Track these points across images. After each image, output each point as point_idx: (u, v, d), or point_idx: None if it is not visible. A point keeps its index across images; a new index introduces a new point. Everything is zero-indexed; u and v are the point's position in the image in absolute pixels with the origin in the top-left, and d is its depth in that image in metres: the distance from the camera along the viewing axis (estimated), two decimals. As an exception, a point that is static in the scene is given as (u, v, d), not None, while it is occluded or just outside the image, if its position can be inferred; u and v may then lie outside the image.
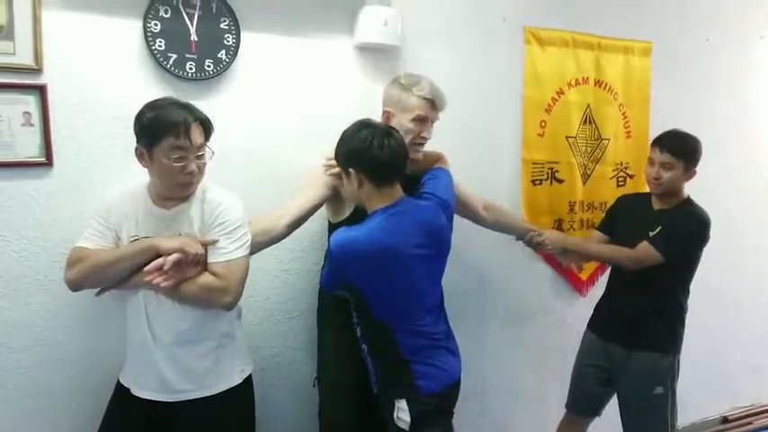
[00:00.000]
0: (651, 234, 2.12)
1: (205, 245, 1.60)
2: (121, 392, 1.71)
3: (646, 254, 2.12)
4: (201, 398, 1.65)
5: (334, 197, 1.88)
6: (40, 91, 1.74)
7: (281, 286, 2.15)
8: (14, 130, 1.73)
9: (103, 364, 1.83)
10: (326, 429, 2.00)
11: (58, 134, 1.77)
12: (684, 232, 2.14)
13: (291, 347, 2.19)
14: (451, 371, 1.80)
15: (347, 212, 1.89)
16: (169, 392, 1.64)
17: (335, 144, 1.73)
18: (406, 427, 1.71)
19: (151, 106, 1.56)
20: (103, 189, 1.75)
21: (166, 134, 1.52)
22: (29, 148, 1.75)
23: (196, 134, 1.58)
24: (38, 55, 1.73)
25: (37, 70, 1.73)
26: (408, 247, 1.68)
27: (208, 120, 1.64)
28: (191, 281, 1.57)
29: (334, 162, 1.80)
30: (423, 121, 1.88)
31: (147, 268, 1.52)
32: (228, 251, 1.61)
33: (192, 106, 1.61)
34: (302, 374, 2.19)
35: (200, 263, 1.59)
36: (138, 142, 1.57)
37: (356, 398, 1.92)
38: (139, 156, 1.58)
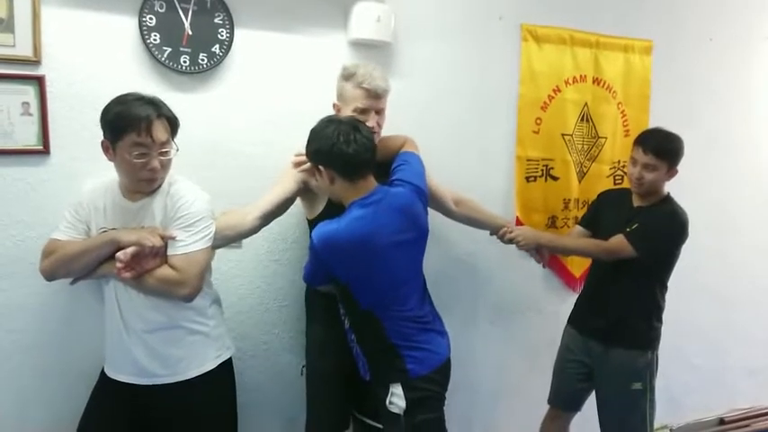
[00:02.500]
0: (628, 229, 2.13)
1: (164, 238, 1.62)
2: (103, 377, 1.78)
3: (619, 246, 2.13)
4: (176, 382, 1.70)
5: (306, 192, 1.91)
6: (39, 82, 1.81)
7: (272, 276, 2.20)
8: (13, 120, 1.80)
9: (97, 346, 1.86)
10: (312, 417, 2.04)
11: (55, 124, 1.84)
12: (661, 230, 2.15)
13: (280, 336, 2.24)
14: (440, 352, 1.83)
15: (321, 208, 1.91)
16: (144, 376, 1.70)
17: (306, 141, 1.75)
18: (399, 411, 1.74)
19: (117, 101, 1.59)
20: (98, 177, 1.78)
21: (128, 130, 1.55)
22: (27, 136, 1.82)
23: (159, 131, 1.60)
24: (37, 47, 1.80)
25: (36, 62, 1.80)
26: (387, 235, 1.72)
27: (173, 116, 1.66)
28: (150, 273, 1.62)
29: (302, 159, 1.83)
30: (365, 112, 1.86)
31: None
32: (186, 244, 1.64)
33: (158, 102, 1.63)
34: (291, 362, 2.24)
35: (160, 255, 1.63)
36: (104, 136, 1.61)
37: (341, 387, 1.97)
38: (105, 150, 1.62)
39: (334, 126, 1.70)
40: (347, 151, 1.67)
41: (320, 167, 1.73)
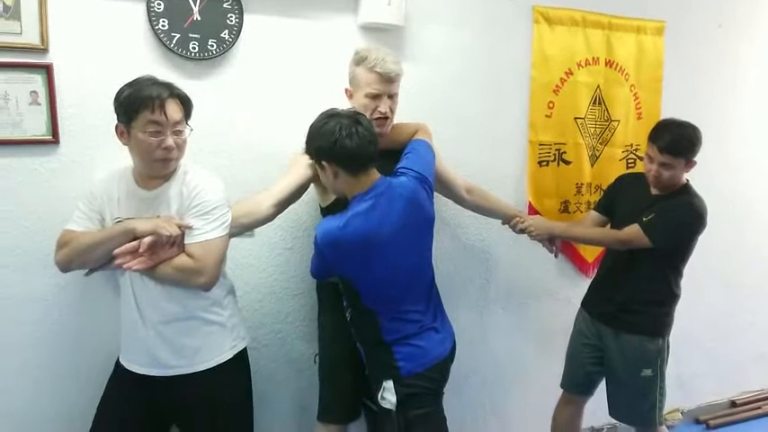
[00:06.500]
0: (644, 219, 2.11)
1: (181, 228, 1.61)
2: (119, 368, 1.78)
3: (634, 237, 2.11)
4: (193, 373, 1.69)
5: (319, 178, 1.88)
6: (47, 70, 1.78)
7: (284, 264, 2.18)
8: (22, 109, 1.77)
9: (111, 338, 1.85)
10: (324, 404, 2.04)
11: (64, 113, 1.82)
12: (677, 221, 2.12)
13: (294, 324, 2.23)
14: (436, 349, 1.81)
15: (334, 196, 1.89)
16: (161, 368, 1.69)
17: (305, 139, 1.73)
18: (390, 407, 1.74)
19: (129, 84, 1.59)
20: (109, 166, 1.76)
21: (141, 109, 1.54)
22: (36, 126, 1.80)
23: (173, 109, 1.59)
24: (44, 35, 1.77)
25: (43, 50, 1.77)
26: (389, 228, 1.70)
27: (186, 96, 1.65)
28: (167, 262, 1.60)
29: None
30: (377, 97, 1.84)
31: (117, 251, 1.55)
32: (204, 232, 1.62)
33: (170, 84, 1.63)
34: (304, 351, 2.24)
35: (178, 244, 1.61)
36: (118, 120, 1.60)
37: (353, 374, 1.96)
38: (120, 134, 1.61)
39: (335, 121, 1.67)
40: (350, 146, 1.65)
41: (323, 163, 1.71)
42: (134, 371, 1.72)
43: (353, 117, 1.69)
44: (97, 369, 1.88)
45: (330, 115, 1.71)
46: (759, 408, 3.33)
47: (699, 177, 2.24)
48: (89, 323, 1.93)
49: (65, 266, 1.67)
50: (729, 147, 3.04)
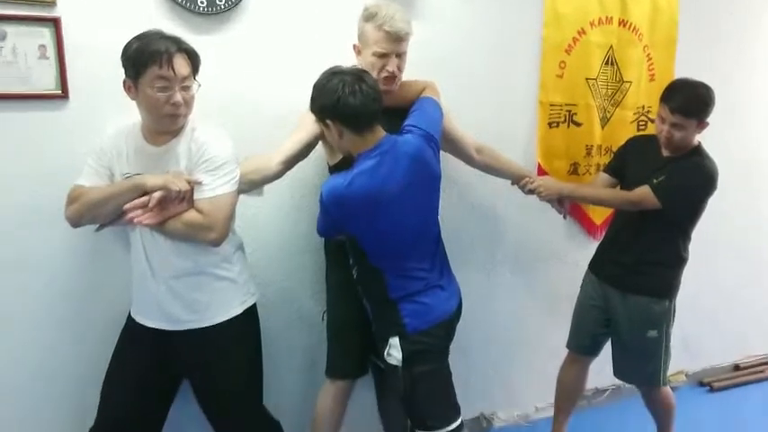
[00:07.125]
0: (655, 181, 2.10)
1: (191, 183, 1.61)
2: (130, 322, 1.80)
3: (644, 198, 2.11)
4: (203, 328, 1.72)
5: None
6: (55, 24, 1.76)
7: (294, 222, 2.19)
8: (30, 63, 1.76)
9: (121, 293, 1.88)
10: (331, 361, 2.08)
11: (73, 67, 1.80)
12: (688, 183, 2.11)
13: (302, 281, 2.25)
14: (442, 307, 1.83)
15: (341, 154, 1.89)
16: (172, 322, 1.72)
17: (310, 97, 1.72)
18: (396, 363, 1.77)
19: (137, 37, 1.58)
20: (119, 121, 1.75)
21: (149, 64, 1.53)
22: (45, 80, 1.79)
23: (180, 64, 1.58)
24: (51, -13, 1.74)
25: (51, 3, 1.75)
26: (395, 186, 1.70)
27: (194, 51, 1.64)
28: (176, 218, 1.61)
29: None
30: (385, 56, 1.82)
31: (127, 206, 1.57)
32: (213, 188, 1.63)
33: (178, 38, 1.61)
34: (312, 308, 2.26)
35: (187, 199, 1.62)
36: (125, 75, 1.59)
37: (360, 331, 1.99)
38: (127, 89, 1.60)
39: (338, 78, 1.66)
40: (354, 103, 1.64)
41: (328, 122, 1.70)
42: (145, 324, 1.74)
43: (357, 74, 1.68)
44: (108, 324, 1.90)
45: (333, 72, 1.69)
46: (762, 371, 3.36)
47: (713, 144, 2.22)
48: (100, 278, 1.95)
49: (75, 221, 1.68)
50: (748, 111, 3.01)
